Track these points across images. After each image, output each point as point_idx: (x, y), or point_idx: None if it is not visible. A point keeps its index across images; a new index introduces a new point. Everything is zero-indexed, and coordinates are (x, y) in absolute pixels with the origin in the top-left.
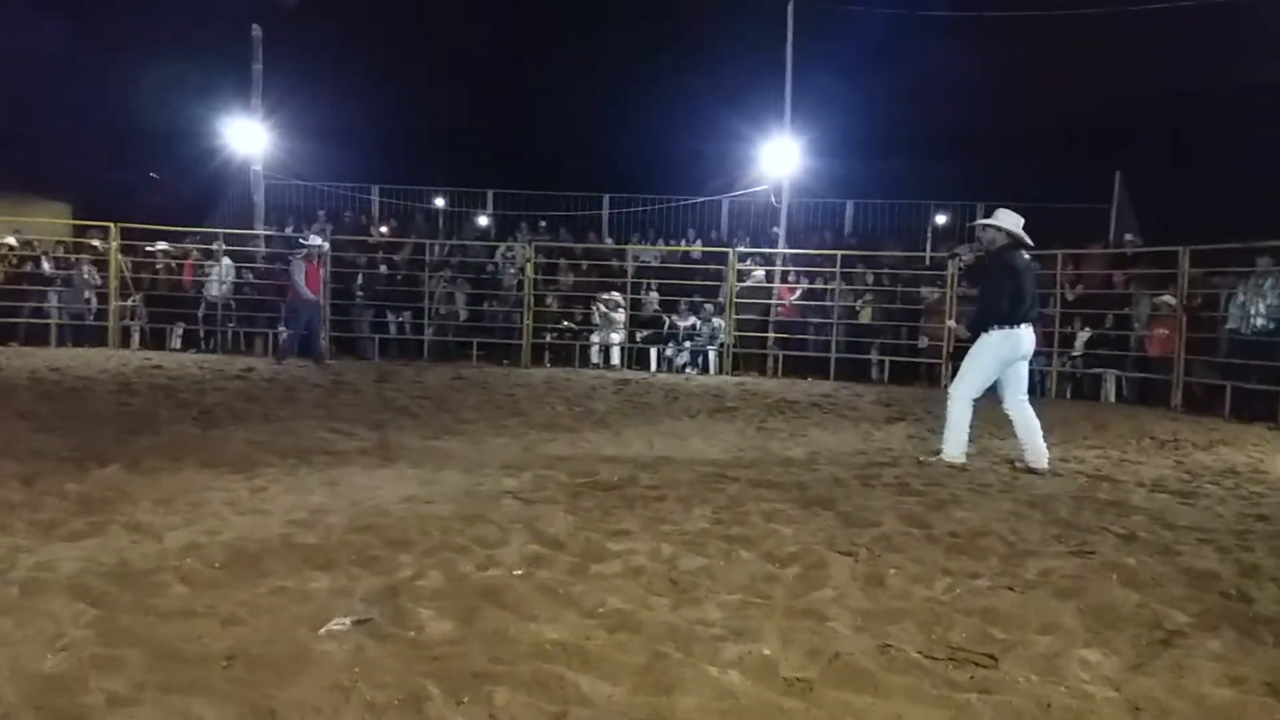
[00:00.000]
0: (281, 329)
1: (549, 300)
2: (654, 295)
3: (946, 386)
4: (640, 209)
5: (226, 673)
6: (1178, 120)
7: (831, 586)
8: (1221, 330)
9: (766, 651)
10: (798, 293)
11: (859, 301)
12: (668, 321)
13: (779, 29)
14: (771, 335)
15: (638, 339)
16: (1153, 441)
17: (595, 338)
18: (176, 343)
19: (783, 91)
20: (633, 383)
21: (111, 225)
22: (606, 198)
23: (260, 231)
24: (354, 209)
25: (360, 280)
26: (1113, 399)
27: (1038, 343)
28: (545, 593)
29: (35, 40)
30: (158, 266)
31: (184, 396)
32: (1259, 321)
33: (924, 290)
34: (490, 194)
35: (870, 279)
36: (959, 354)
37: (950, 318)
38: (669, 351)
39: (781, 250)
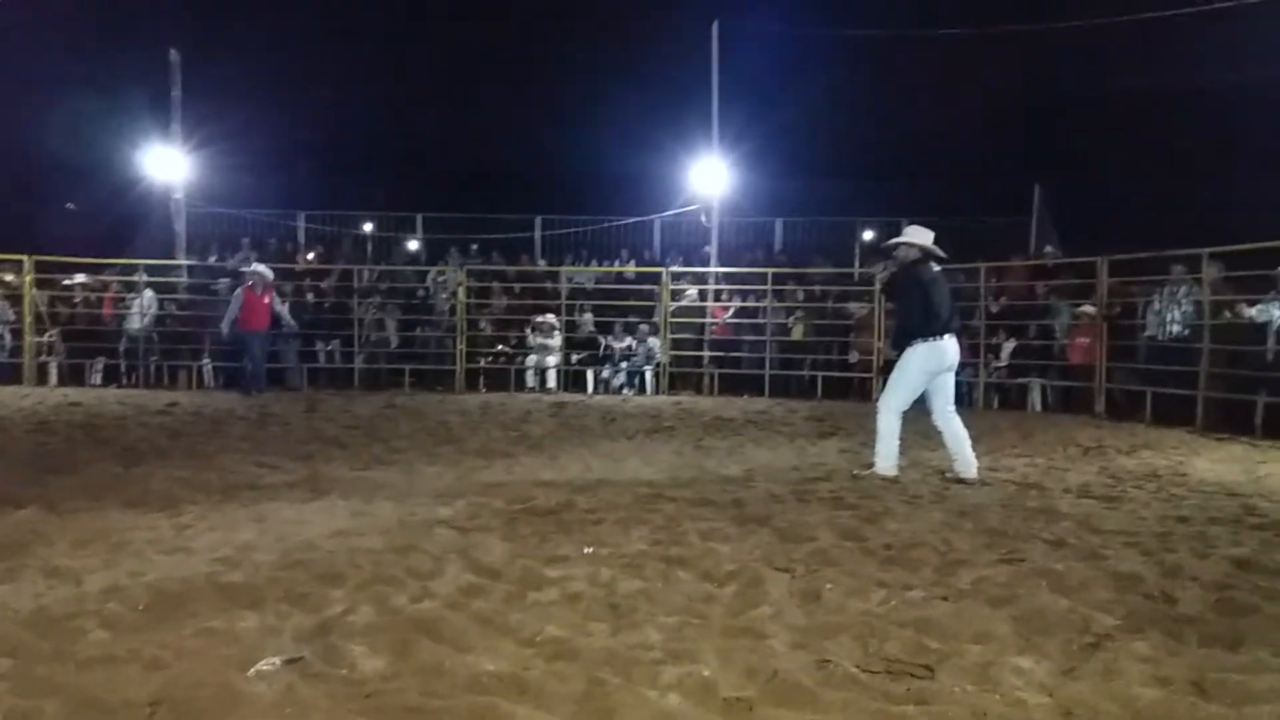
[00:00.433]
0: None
1: (482, 324)
2: (588, 317)
3: (878, 400)
4: (572, 230)
5: None
6: (1093, 133)
7: (769, 604)
8: (1140, 337)
9: (705, 672)
10: (731, 311)
11: (791, 318)
12: (603, 343)
13: (706, 50)
14: (707, 354)
15: (573, 361)
16: (1078, 448)
17: (531, 361)
18: (97, 378)
19: (710, 112)
20: (569, 405)
21: (25, 258)
22: (538, 219)
23: (183, 261)
24: (279, 236)
25: (287, 308)
26: (1038, 407)
27: (963, 354)
28: (481, 623)
29: None
30: (75, 300)
31: (105, 434)
32: (1175, 328)
33: (853, 305)
34: (420, 218)
35: (801, 296)
36: (889, 368)
37: (879, 332)
38: (605, 373)
39: (714, 269)
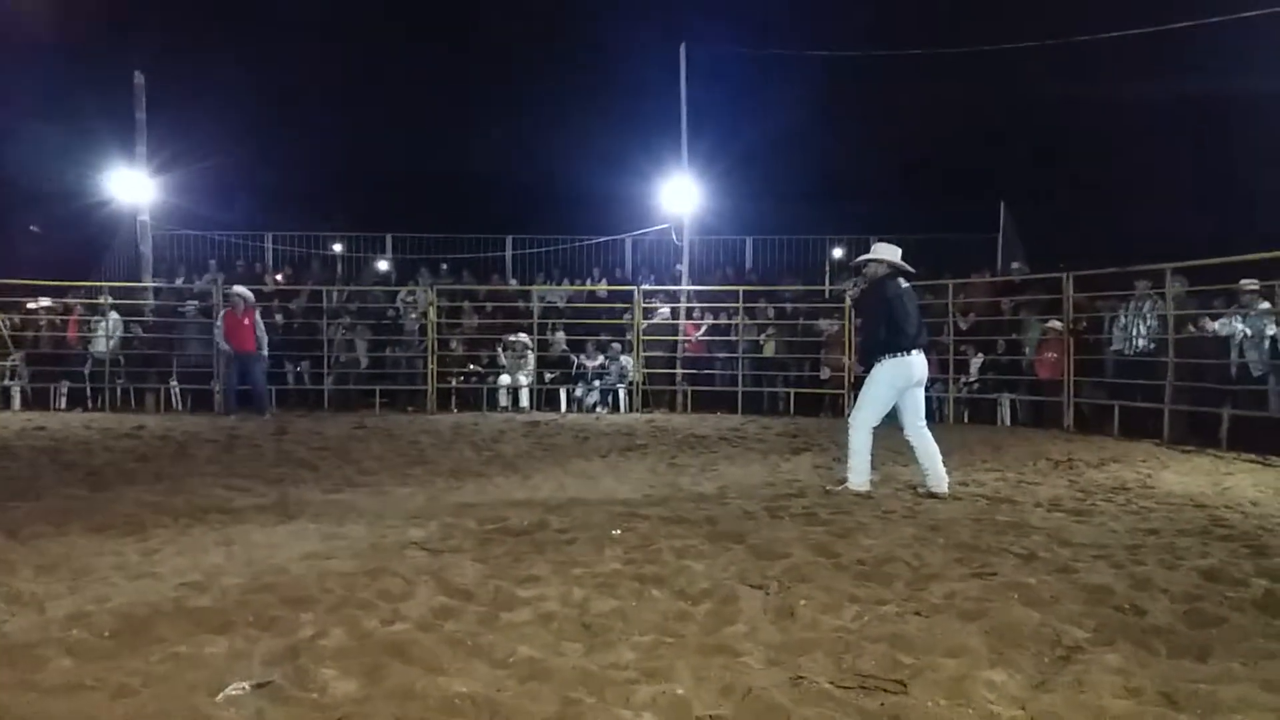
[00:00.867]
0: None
1: (453, 344)
2: (561, 335)
3: (849, 416)
4: (544, 249)
5: None
6: (1058, 153)
7: (743, 621)
8: (1107, 352)
9: (680, 691)
10: (703, 329)
11: (762, 336)
12: (576, 361)
13: (674, 71)
14: (679, 371)
15: (546, 380)
16: (1048, 462)
17: (504, 380)
18: (62, 403)
19: (680, 131)
20: (542, 424)
21: None
22: (509, 239)
23: (149, 284)
24: (247, 257)
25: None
26: (1008, 422)
27: (933, 370)
28: (453, 645)
29: None
30: (40, 323)
31: (69, 458)
32: (1140, 342)
33: (823, 322)
34: (389, 238)
35: (772, 313)
36: (860, 384)
37: (849, 349)
38: (578, 392)
39: (685, 287)
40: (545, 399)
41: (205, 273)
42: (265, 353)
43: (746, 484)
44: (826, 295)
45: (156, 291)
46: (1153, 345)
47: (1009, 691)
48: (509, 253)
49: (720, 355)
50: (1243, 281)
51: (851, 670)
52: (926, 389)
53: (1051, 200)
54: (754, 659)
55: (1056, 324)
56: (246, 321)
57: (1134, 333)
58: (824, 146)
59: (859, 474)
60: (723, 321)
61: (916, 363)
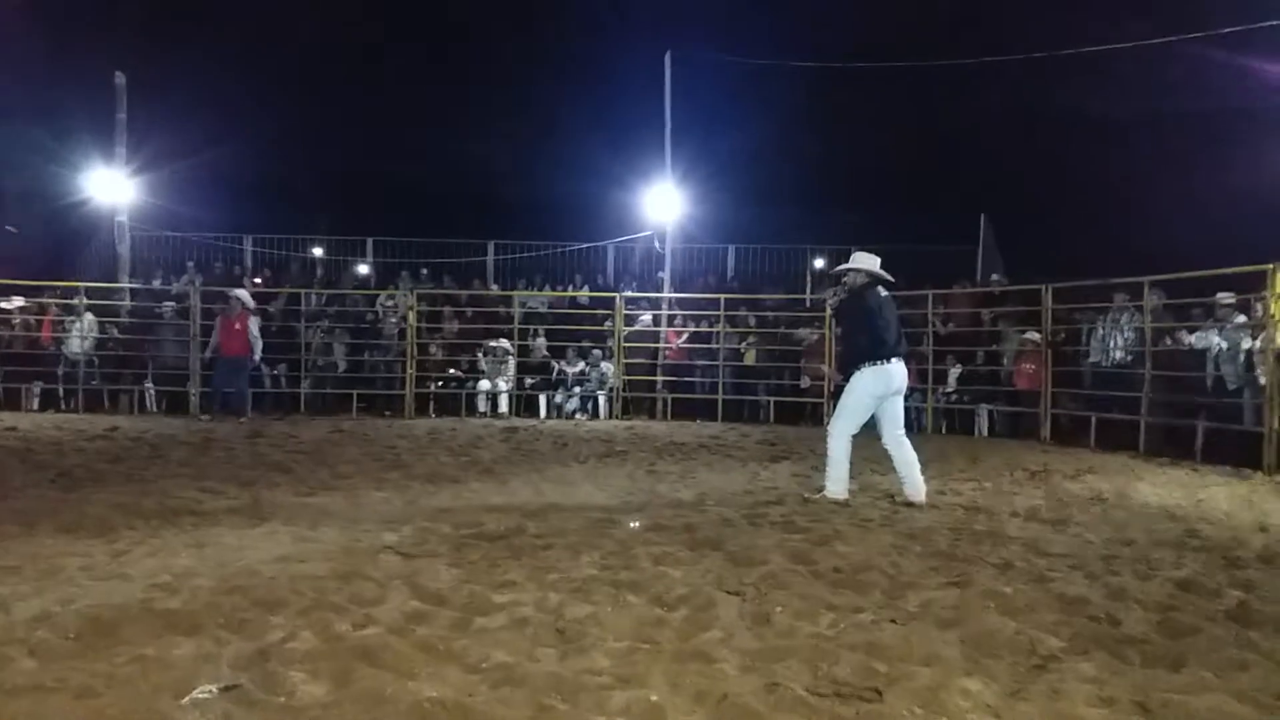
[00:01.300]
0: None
1: (433, 349)
2: (541, 341)
3: (828, 425)
4: (526, 255)
5: None
6: (1039, 165)
7: (720, 627)
8: (1084, 364)
9: (654, 697)
10: (684, 336)
11: (743, 344)
12: (556, 368)
13: (659, 79)
14: (660, 379)
15: (526, 386)
16: (1025, 472)
17: (483, 385)
18: (34, 403)
19: (663, 139)
20: (521, 430)
21: None
22: (491, 244)
23: (125, 285)
24: (225, 259)
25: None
26: (986, 432)
27: (912, 380)
28: (425, 650)
29: None
30: (13, 322)
31: (40, 458)
32: (1118, 355)
33: (803, 331)
34: (369, 242)
35: (753, 322)
36: (840, 393)
37: (829, 358)
38: (558, 398)
39: (667, 295)
40: (525, 405)
41: (183, 274)
42: (255, 359)
43: (725, 491)
44: (807, 305)
45: (133, 293)
46: (1130, 358)
47: (984, 700)
48: (490, 258)
49: (701, 363)
50: (1219, 295)
51: (827, 678)
52: (905, 399)
53: (1031, 212)
54: (729, 665)
55: (1034, 335)
56: (238, 326)
57: (1111, 345)
58: (806, 156)
59: (837, 482)
60: (704, 329)
61: (896, 371)
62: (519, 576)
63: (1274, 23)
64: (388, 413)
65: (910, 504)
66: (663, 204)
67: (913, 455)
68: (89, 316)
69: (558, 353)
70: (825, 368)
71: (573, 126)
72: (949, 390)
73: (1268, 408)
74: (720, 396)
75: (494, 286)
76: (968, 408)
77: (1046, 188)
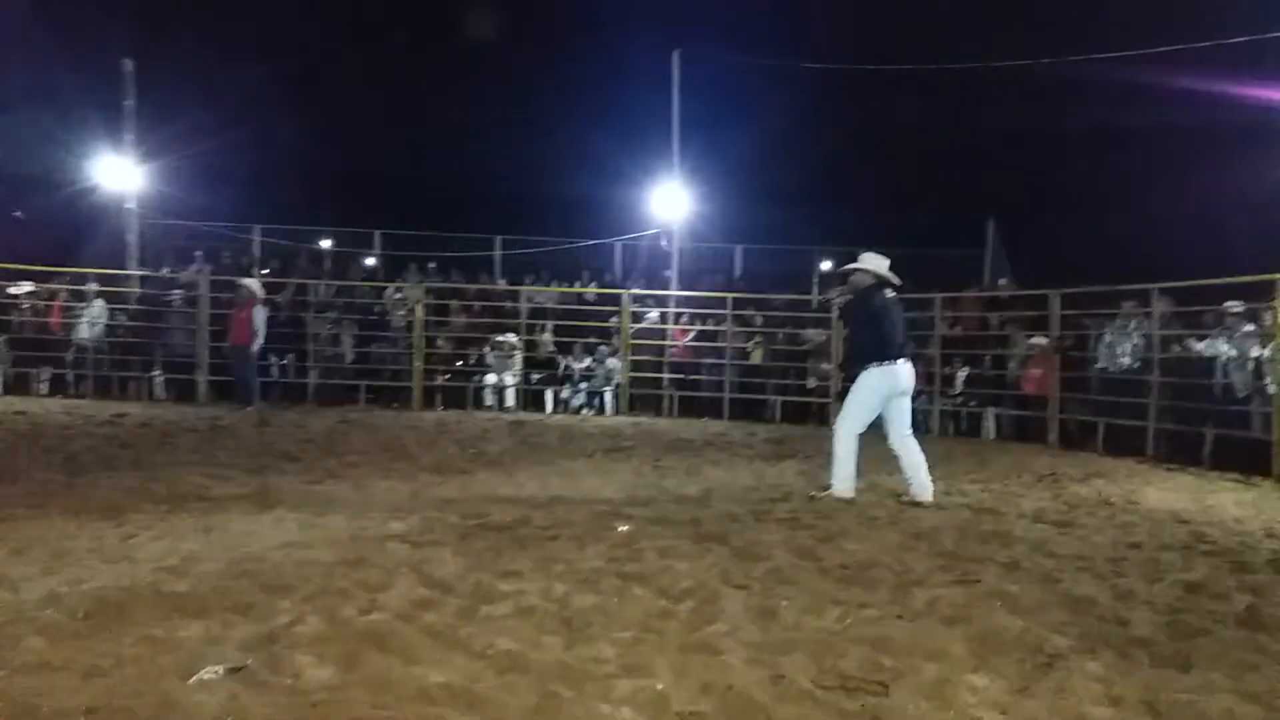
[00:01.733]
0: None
1: (440, 342)
2: (548, 337)
3: (835, 424)
4: (533, 250)
5: None
6: (1047, 170)
7: (725, 620)
8: (1092, 369)
9: (659, 687)
10: (691, 334)
11: (750, 343)
12: (563, 363)
13: (667, 78)
14: (666, 376)
15: (533, 381)
16: (1032, 475)
17: (490, 379)
18: (44, 388)
19: (671, 138)
20: (527, 424)
21: None
22: (499, 239)
23: (134, 272)
24: (234, 249)
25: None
26: (993, 436)
27: (919, 382)
28: (432, 636)
29: None
30: (24, 307)
31: (49, 443)
32: (1125, 360)
33: (810, 332)
34: (378, 234)
35: (760, 321)
36: (846, 393)
37: (834, 358)
38: (564, 393)
39: (674, 293)
40: (531, 400)
41: (191, 263)
42: (255, 348)
43: (731, 487)
44: (814, 305)
45: (143, 280)
46: (1138, 364)
47: (991, 696)
48: (498, 253)
49: (708, 361)
50: (1228, 304)
51: (833, 671)
52: (913, 400)
53: (1039, 218)
54: (735, 657)
55: (1042, 340)
56: (243, 314)
57: (1119, 351)
58: (814, 157)
59: (843, 480)
60: (711, 328)
61: (902, 372)
62: (525, 566)
63: None
64: (395, 404)
65: (917, 503)
66: (670, 202)
67: (920, 456)
68: (100, 303)
69: (564, 348)
70: (833, 368)
71: (582, 124)
72: (955, 393)
73: (1276, 416)
74: (726, 394)
75: (501, 281)
76: (975, 411)
77: (1054, 193)
